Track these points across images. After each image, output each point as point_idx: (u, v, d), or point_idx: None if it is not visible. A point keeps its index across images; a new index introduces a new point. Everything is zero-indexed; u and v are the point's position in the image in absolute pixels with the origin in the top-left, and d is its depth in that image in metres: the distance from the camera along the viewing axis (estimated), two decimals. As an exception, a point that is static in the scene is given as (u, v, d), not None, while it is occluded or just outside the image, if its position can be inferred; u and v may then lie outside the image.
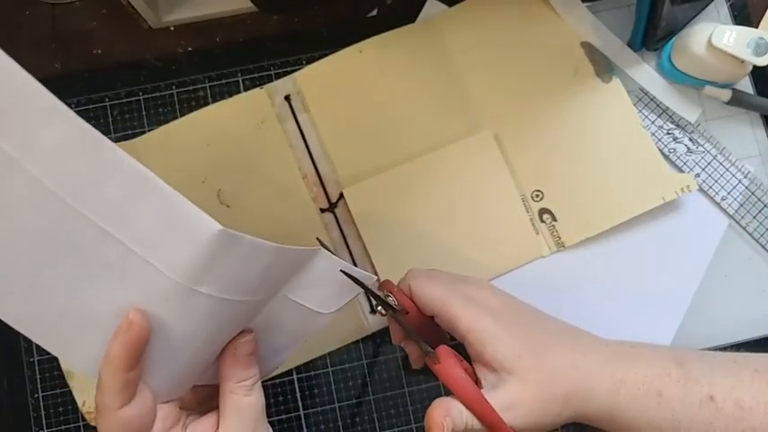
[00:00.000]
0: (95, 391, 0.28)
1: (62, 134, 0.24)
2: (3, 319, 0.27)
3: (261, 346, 0.32)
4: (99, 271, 0.26)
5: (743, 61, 0.45)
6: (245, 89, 0.49)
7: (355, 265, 0.46)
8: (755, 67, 0.46)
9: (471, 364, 0.34)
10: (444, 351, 0.34)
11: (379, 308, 0.36)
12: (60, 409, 0.45)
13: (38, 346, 0.45)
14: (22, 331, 0.27)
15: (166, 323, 0.28)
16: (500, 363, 0.33)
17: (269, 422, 0.33)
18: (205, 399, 0.33)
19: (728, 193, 0.48)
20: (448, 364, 0.33)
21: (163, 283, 0.26)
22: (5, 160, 0.24)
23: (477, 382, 0.34)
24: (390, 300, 0.36)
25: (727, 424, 0.33)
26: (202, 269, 0.26)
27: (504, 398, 0.32)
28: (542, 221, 0.47)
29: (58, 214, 0.25)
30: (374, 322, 0.46)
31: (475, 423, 0.32)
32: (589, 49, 0.49)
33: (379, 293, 0.35)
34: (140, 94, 0.48)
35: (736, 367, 0.35)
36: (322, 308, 0.33)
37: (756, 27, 0.50)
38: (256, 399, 0.31)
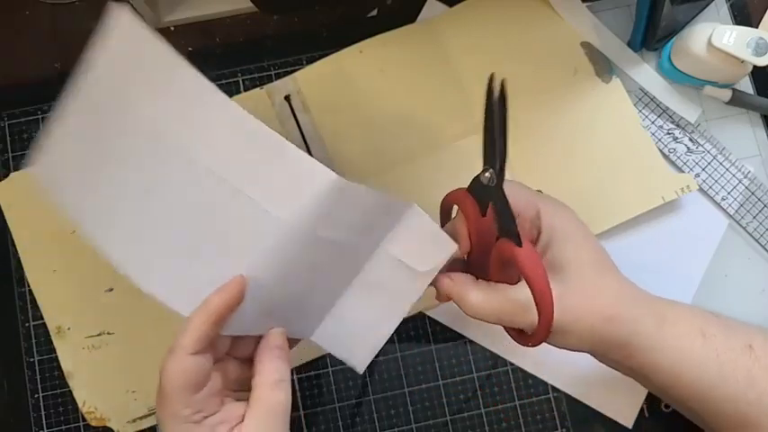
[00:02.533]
0: (178, 332, 0.30)
1: (220, 118, 0.32)
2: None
3: (368, 311, 0.35)
4: (229, 225, 0.32)
5: (743, 61, 0.45)
6: (245, 89, 0.49)
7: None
8: (755, 67, 0.46)
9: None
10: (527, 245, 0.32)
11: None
12: (60, 409, 0.45)
13: (38, 346, 0.46)
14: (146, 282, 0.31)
15: (278, 269, 0.32)
16: (564, 261, 0.34)
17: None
18: (243, 383, 0.33)
19: (728, 193, 0.48)
20: (531, 250, 0.32)
21: (287, 233, 0.32)
22: (175, 149, 0.32)
23: None
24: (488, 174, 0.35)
25: (764, 374, 0.33)
26: (319, 213, 0.32)
27: (557, 298, 0.32)
28: (542, 221, 0.47)
29: (210, 187, 0.32)
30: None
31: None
32: (589, 49, 0.49)
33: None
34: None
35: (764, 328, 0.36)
36: (417, 265, 0.34)
37: (756, 27, 0.50)
38: (285, 397, 0.32)
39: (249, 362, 0.33)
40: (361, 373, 0.36)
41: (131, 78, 0.32)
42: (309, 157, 0.32)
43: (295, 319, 0.34)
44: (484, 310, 0.33)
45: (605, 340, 0.34)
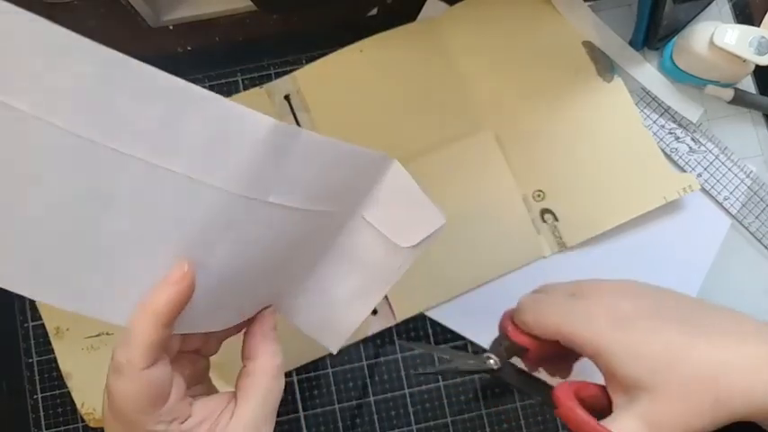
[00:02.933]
0: (117, 347, 0.25)
1: (77, 70, 0.22)
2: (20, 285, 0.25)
3: (338, 287, 0.30)
4: (150, 208, 0.24)
5: (745, 60, 0.45)
6: (245, 89, 0.48)
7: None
8: (758, 66, 0.46)
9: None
10: (561, 393, 0.31)
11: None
12: (59, 410, 0.45)
13: (36, 346, 0.45)
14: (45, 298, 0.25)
15: (227, 251, 0.25)
16: (630, 379, 0.30)
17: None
18: (196, 377, 0.31)
19: (731, 193, 0.47)
20: (567, 409, 0.30)
21: (226, 202, 0.24)
22: (17, 118, 0.22)
23: (611, 404, 0.31)
24: (491, 362, 0.33)
25: None
26: (264, 171, 0.24)
27: (639, 419, 0.29)
28: (544, 221, 0.47)
29: (96, 163, 0.23)
30: (375, 324, 0.46)
31: None
32: (590, 48, 0.49)
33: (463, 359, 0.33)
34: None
35: None
36: (400, 239, 0.29)
37: (758, 26, 0.50)
38: (281, 383, 0.29)
39: (197, 353, 0.31)
40: (335, 353, 0.33)
41: None
42: (232, 102, 0.23)
43: (256, 302, 0.30)
44: None
45: (717, 421, 0.29)
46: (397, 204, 0.29)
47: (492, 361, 0.33)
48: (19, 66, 0.22)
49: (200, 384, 0.31)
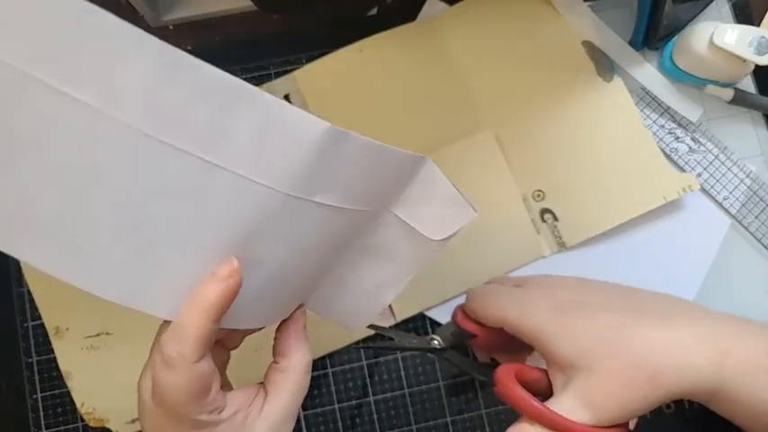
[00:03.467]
0: (164, 340, 0.26)
1: (141, 69, 0.22)
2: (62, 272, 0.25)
3: (366, 278, 0.31)
4: (202, 205, 0.25)
5: (744, 60, 0.45)
6: (245, 88, 0.48)
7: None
8: (757, 66, 0.46)
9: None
10: (501, 372, 0.33)
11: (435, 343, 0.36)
12: (59, 409, 0.45)
13: (36, 346, 0.45)
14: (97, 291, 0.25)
15: (272, 249, 0.26)
16: (566, 360, 0.31)
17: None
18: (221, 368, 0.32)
19: (730, 193, 0.47)
20: (505, 387, 0.32)
21: (274, 201, 0.24)
22: (87, 113, 0.23)
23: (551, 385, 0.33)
24: (435, 342, 0.35)
25: None
26: (312, 172, 0.24)
27: (575, 398, 0.31)
28: (543, 221, 0.47)
29: (152, 157, 0.23)
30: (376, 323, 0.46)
31: None
32: (590, 48, 0.49)
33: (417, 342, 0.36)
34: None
35: None
36: (428, 231, 0.30)
37: (758, 26, 0.50)
38: (308, 381, 0.31)
39: (221, 345, 0.32)
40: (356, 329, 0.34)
41: None
42: (289, 104, 0.24)
43: (294, 301, 0.31)
44: None
45: (653, 398, 0.30)
46: (429, 201, 0.29)
47: (435, 342, 0.35)
48: (86, 60, 0.22)
49: (222, 377, 0.32)
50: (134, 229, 0.25)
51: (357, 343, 0.46)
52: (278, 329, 0.32)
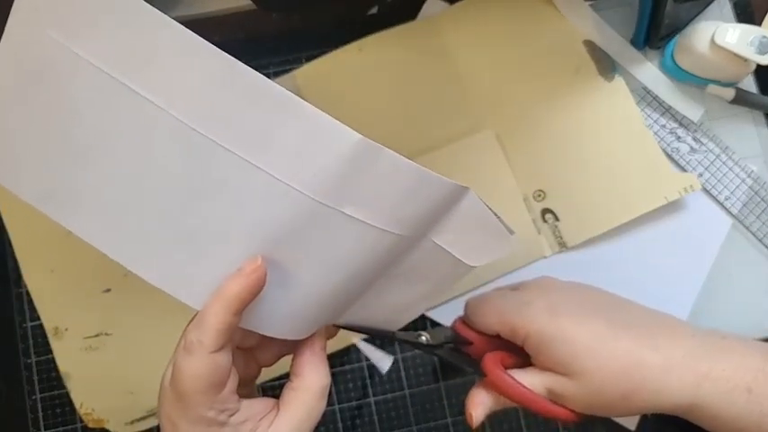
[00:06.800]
0: (190, 328, 0.27)
1: (203, 71, 0.25)
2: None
3: (400, 298, 0.32)
4: (238, 203, 0.26)
5: (746, 60, 0.45)
6: (245, 88, 0.48)
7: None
8: (759, 66, 0.46)
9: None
10: (488, 360, 0.34)
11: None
12: (58, 410, 0.45)
13: (35, 347, 0.45)
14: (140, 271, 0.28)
15: (304, 259, 0.27)
16: (554, 365, 0.33)
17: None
18: (244, 383, 0.32)
19: (732, 193, 0.47)
20: (493, 374, 0.34)
21: (305, 207, 0.26)
22: (150, 110, 0.26)
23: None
24: (423, 338, 0.36)
25: None
26: (344, 183, 0.25)
27: (545, 386, 0.33)
28: (544, 221, 0.47)
29: (199, 153, 0.26)
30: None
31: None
32: (591, 47, 0.49)
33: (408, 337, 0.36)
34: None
35: None
36: (468, 259, 0.31)
37: (759, 25, 0.50)
38: (323, 404, 0.30)
39: (252, 357, 0.32)
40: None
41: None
42: (325, 114, 0.26)
43: (320, 319, 0.31)
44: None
45: (621, 411, 0.33)
46: (470, 231, 0.30)
47: (423, 338, 0.36)
48: (151, 61, 0.25)
49: (247, 387, 0.32)
50: (178, 218, 0.27)
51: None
52: (296, 348, 0.32)
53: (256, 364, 0.33)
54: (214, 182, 0.26)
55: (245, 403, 0.29)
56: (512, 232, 0.31)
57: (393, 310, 0.32)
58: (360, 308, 0.32)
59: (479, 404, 0.35)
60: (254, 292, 0.27)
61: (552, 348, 0.33)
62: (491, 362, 0.34)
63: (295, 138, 0.25)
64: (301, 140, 0.25)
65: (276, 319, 0.29)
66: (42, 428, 0.45)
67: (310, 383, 0.30)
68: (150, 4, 0.28)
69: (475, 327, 0.36)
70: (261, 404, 0.30)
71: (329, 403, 0.45)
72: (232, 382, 0.28)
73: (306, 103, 0.25)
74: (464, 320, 0.37)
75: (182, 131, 0.26)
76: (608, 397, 0.32)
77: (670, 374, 0.32)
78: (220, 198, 0.26)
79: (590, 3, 0.49)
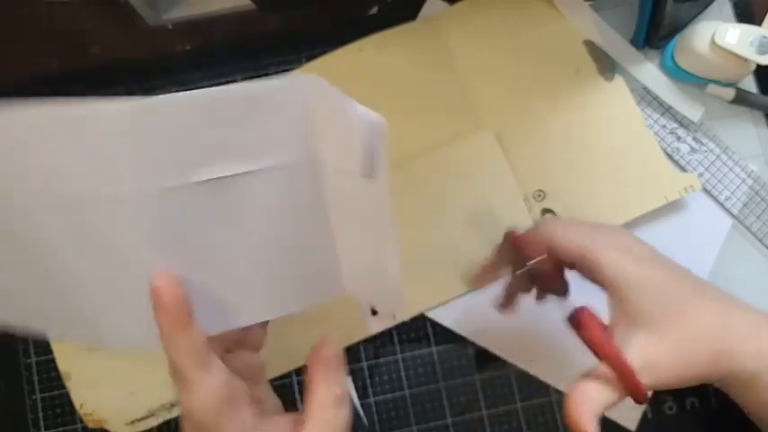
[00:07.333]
0: (169, 370, 0.26)
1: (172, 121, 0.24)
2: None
3: (358, 247, 0.29)
4: (106, 238, 0.25)
5: (746, 60, 0.45)
6: (245, 88, 0.48)
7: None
8: (759, 66, 0.46)
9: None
10: (587, 316, 0.32)
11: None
12: (58, 410, 0.45)
13: (35, 346, 0.45)
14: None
15: (209, 243, 0.25)
16: (643, 316, 0.31)
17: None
18: (250, 380, 0.31)
19: (732, 193, 0.47)
20: (593, 330, 0.31)
21: (154, 203, 0.24)
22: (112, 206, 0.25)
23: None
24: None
25: None
26: (162, 157, 0.24)
27: (639, 358, 0.30)
28: (544, 221, 0.47)
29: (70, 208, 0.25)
30: (375, 324, 0.45)
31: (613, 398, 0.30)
32: (591, 47, 0.49)
33: None
34: (139, 93, 0.48)
35: None
36: (360, 167, 0.27)
37: (759, 25, 0.50)
38: (347, 412, 0.29)
39: (242, 347, 0.31)
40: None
41: None
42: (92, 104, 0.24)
43: (285, 285, 0.29)
44: None
45: (706, 376, 0.31)
46: (331, 123, 0.27)
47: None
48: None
49: (258, 384, 0.30)
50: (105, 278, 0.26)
51: (357, 344, 0.45)
52: (307, 359, 0.30)
53: (254, 354, 0.31)
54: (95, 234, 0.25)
55: (267, 422, 0.28)
56: (378, 116, 0.29)
57: (372, 264, 0.30)
58: (347, 268, 0.30)
59: (590, 411, 0.30)
60: (180, 303, 0.25)
61: (643, 299, 0.31)
62: (589, 316, 0.32)
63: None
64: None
65: (230, 309, 0.27)
66: (42, 428, 0.45)
67: (320, 395, 0.28)
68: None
69: (552, 250, 0.34)
70: (284, 420, 0.29)
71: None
72: (245, 393, 0.27)
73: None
74: (534, 237, 0.35)
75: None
76: (698, 361, 0.30)
77: (743, 341, 0.31)
78: (90, 243, 0.25)
79: (590, 3, 0.49)
